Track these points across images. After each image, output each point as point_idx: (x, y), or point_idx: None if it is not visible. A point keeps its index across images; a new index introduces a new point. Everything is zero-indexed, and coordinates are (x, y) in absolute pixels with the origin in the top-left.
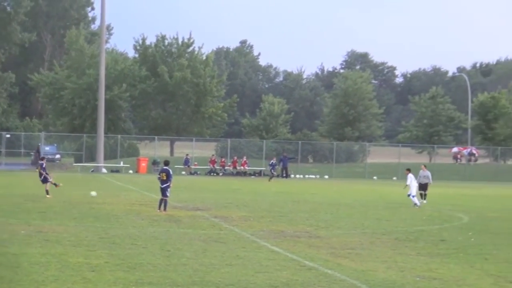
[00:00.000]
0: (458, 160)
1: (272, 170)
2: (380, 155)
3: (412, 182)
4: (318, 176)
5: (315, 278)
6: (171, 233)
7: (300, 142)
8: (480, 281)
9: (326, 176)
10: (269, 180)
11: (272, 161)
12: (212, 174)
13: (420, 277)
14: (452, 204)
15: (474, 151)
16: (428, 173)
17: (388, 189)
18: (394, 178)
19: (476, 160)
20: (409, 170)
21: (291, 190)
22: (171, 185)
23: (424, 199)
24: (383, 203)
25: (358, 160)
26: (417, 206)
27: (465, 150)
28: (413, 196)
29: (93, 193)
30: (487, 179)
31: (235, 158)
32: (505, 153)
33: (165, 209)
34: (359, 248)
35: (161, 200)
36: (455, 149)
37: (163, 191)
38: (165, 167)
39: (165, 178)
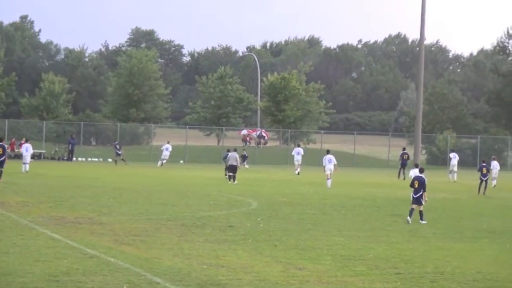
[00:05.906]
0: (247, 143)
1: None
2: (166, 137)
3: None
4: (101, 159)
5: (96, 266)
6: None
7: (82, 123)
8: (269, 268)
9: (110, 160)
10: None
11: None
12: None
13: (207, 265)
14: (240, 189)
15: (263, 134)
16: (237, 156)
17: (175, 173)
18: (181, 161)
19: (265, 143)
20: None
21: (73, 174)
22: (6, 159)
23: (234, 180)
24: (168, 188)
25: (143, 143)
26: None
27: (255, 133)
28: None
29: None
30: (277, 162)
31: (13, 140)
32: (295, 136)
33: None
34: (143, 235)
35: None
36: (244, 131)
37: (1, 164)
38: (1, 143)
39: (1, 152)
